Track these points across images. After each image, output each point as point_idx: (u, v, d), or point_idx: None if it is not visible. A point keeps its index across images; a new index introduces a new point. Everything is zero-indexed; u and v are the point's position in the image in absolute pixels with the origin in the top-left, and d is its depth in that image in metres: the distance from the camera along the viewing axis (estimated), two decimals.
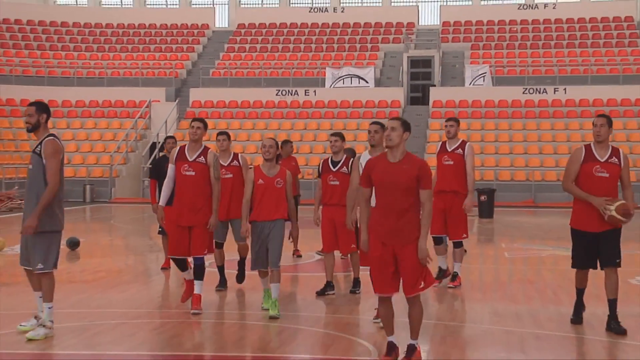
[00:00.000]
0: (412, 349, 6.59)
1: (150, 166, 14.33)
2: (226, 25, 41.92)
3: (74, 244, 14.08)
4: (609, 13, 38.31)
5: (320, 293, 9.74)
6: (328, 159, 9.82)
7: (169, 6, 43.09)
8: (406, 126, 6.57)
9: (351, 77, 34.08)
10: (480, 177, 27.15)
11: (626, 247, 9.38)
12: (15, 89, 33.49)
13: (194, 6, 42.82)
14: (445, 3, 41.58)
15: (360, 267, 9.67)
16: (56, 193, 7.29)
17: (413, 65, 35.34)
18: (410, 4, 41.39)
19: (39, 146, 7.37)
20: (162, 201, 8.96)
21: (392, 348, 6.64)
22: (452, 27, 38.99)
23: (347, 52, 37.45)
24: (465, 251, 12.28)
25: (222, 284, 10.13)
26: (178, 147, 8.88)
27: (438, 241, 10.36)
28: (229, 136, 10.03)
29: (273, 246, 8.55)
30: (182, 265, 8.89)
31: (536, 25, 38.22)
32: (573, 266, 8.06)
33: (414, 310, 6.60)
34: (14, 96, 33.24)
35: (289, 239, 9.40)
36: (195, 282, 8.75)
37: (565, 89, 32.13)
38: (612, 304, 7.84)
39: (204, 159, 8.66)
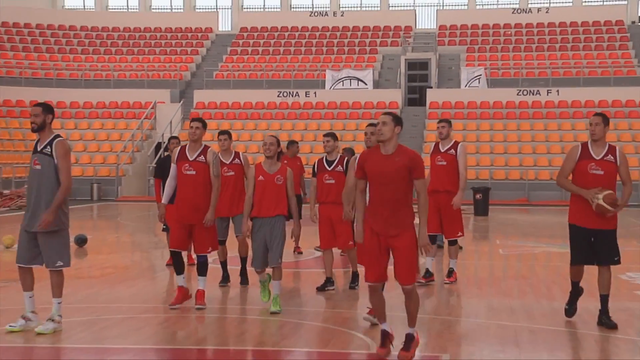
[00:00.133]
0: (410, 338, 6.63)
1: (155, 165, 14.93)
2: (229, 29, 42.05)
3: (81, 241, 14.18)
4: (600, 17, 38.48)
5: (321, 289, 9.80)
6: (323, 158, 9.86)
7: (173, 10, 43.25)
8: (397, 120, 6.55)
9: (350, 79, 34.26)
10: (476, 176, 27.48)
11: None
12: (25, 91, 33.73)
13: (198, 10, 42.94)
14: (441, 7, 41.82)
15: (358, 265, 9.64)
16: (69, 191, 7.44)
17: (410, 68, 35.48)
18: (408, 8, 41.58)
19: (49, 147, 7.40)
20: (165, 199, 8.96)
21: (385, 336, 6.71)
22: (449, 31, 39.16)
23: (347, 55, 37.67)
24: (461, 248, 12.66)
25: (225, 279, 10.15)
26: (179, 147, 8.88)
27: (431, 240, 10.19)
28: (230, 135, 10.07)
29: (274, 243, 8.52)
30: (178, 265, 8.79)
31: (530, 29, 38.37)
32: (572, 262, 7.98)
33: (411, 299, 6.62)
34: (24, 98, 33.52)
35: (291, 237, 9.47)
36: (199, 278, 8.78)
37: (558, 91, 32.29)
38: (604, 299, 7.87)
39: (203, 158, 8.65)
